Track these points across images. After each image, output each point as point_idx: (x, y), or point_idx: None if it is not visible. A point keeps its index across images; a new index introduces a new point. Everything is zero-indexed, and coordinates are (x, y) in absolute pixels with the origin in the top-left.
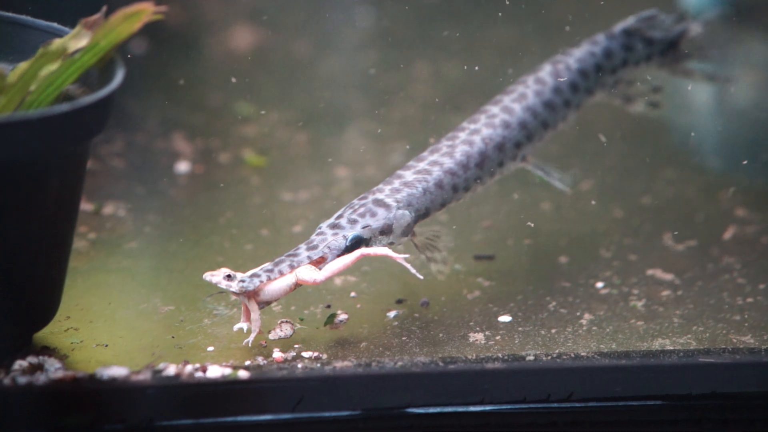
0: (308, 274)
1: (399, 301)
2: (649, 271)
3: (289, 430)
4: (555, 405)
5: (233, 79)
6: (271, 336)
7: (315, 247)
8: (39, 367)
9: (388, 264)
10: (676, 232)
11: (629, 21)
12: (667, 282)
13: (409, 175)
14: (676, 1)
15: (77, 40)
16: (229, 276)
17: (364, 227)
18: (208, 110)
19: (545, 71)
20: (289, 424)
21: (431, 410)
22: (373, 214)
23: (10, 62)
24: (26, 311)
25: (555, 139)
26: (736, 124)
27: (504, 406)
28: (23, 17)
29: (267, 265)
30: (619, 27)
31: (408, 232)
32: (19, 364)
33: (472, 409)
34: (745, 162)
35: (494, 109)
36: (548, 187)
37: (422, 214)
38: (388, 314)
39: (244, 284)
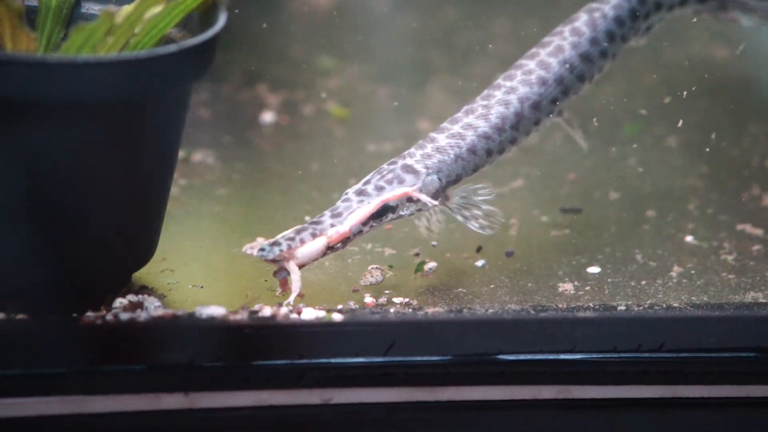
0: (334, 231)
1: (478, 249)
2: (739, 226)
3: (381, 372)
4: (646, 355)
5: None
6: (362, 282)
7: (339, 215)
8: (139, 305)
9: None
10: (764, 187)
11: None
12: (757, 237)
13: (442, 139)
14: None
15: None
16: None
17: None
18: (290, 63)
19: (581, 21)
20: (381, 367)
21: (522, 357)
22: (401, 181)
23: (116, 4)
24: (127, 251)
25: (638, 97)
26: None
27: (594, 355)
28: None
29: (289, 233)
30: None
31: (437, 198)
32: (120, 301)
33: (562, 357)
34: None
35: (530, 64)
36: (635, 143)
37: (452, 180)
38: (476, 263)
39: (264, 252)
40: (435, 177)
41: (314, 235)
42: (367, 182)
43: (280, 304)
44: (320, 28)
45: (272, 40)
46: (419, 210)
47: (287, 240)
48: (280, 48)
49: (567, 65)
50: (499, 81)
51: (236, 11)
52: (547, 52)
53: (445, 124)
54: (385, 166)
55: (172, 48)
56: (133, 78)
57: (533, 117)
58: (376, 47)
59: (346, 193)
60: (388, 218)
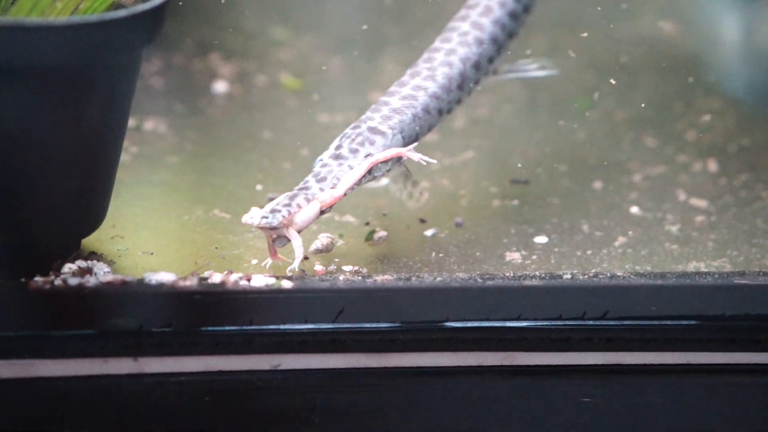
0: (328, 194)
1: (423, 221)
2: (683, 197)
3: (330, 339)
4: (590, 323)
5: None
6: (311, 249)
7: (324, 179)
8: (88, 271)
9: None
10: (709, 161)
11: None
12: (701, 208)
13: (395, 102)
14: None
15: None
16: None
17: (366, 155)
18: (244, 33)
19: None
20: (330, 333)
21: (469, 324)
22: (372, 143)
23: None
24: (76, 216)
25: (587, 70)
26: (764, 57)
27: (540, 323)
28: None
29: (283, 200)
30: None
31: (401, 158)
32: (69, 267)
33: (509, 324)
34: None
35: (464, 26)
36: (582, 117)
37: (412, 140)
38: (425, 233)
39: (267, 219)
40: (399, 136)
41: (308, 200)
42: (339, 147)
43: (231, 271)
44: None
45: (226, 10)
46: (388, 170)
47: (285, 206)
48: (233, 18)
49: (498, 24)
50: (437, 44)
51: None
52: (477, 13)
53: (393, 88)
54: (348, 130)
55: (121, 13)
56: (81, 43)
57: (474, 77)
58: (329, 18)
59: (321, 159)
60: (365, 180)
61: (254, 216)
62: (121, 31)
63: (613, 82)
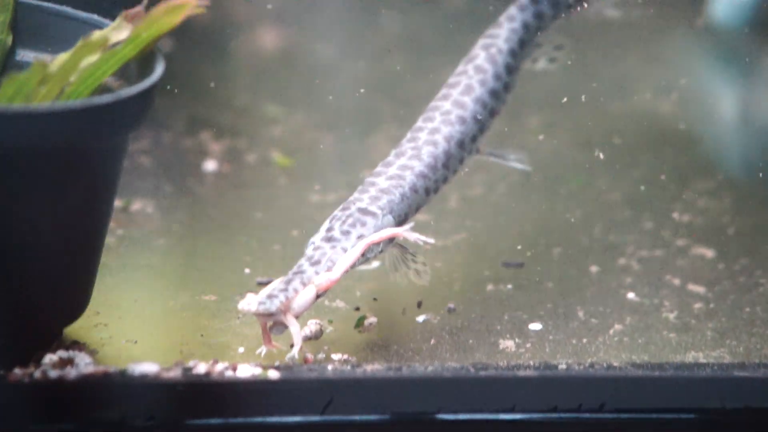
0: (324, 278)
1: (419, 305)
2: (681, 283)
3: (318, 431)
4: (587, 415)
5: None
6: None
7: (318, 262)
8: (69, 362)
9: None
10: (707, 245)
11: None
12: (698, 294)
13: (382, 182)
14: (705, 12)
15: (118, 32)
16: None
17: (358, 237)
18: (235, 110)
19: (481, 58)
20: (319, 426)
21: (461, 417)
22: (363, 224)
23: (51, 53)
24: (57, 304)
25: (582, 149)
26: (761, 137)
27: (535, 415)
28: (64, 8)
29: (279, 285)
30: None
31: (394, 239)
32: (50, 358)
33: (502, 416)
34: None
35: (446, 105)
36: (577, 197)
37: (402, 220)
38: (417, 319)
39: (266, 305)
40: (390, 216)
41: (304, 284)
42: (331, 229)
43: (216, 360)
44: (264, 75)
45: (217, 87)
46: (381, 252)
47: (282, 291)
48: (224, 95)
49: (480, 102)
50: (420, 123)
51: (179, 57)
52: (458, 92)
53: (379, 169)
54: (338, 212)
55: (106, 99)
56: (64, 128)
57: (459, 155)
58: (322, 95)
59: (313, 242)
60: (358, 262)
61: (251, 302)
62: (105, 116)
63: (601, 156)
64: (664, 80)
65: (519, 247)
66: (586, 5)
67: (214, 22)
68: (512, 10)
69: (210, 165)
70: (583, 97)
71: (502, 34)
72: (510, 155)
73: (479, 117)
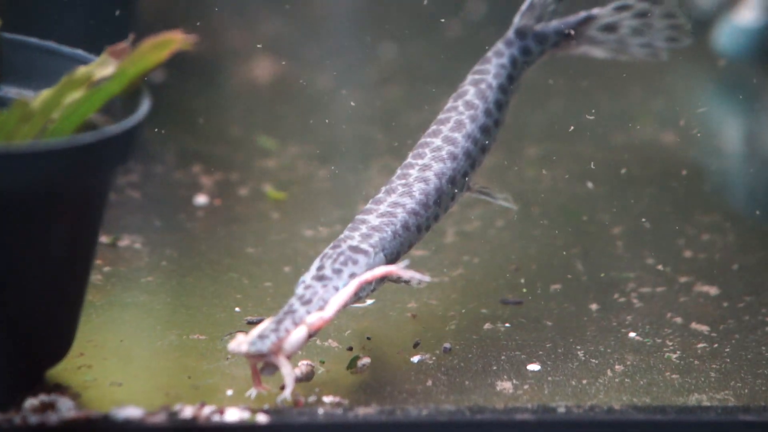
0: (316, 317)
1: (416, 345)
2: (683, 322)
3: None
4: None
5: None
6: None
7: (309, 302)
8: (50, 406)
9: (401, 308)
10: (711, 282)
11: (515, 20)
12: (702, 334)
13: (373, 219)
14: (712, 42)
15: (103, 68)
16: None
17: (350, 275)
18: (228, 142)
19: (471, 93)
20: None
21: None
22: (355, 262)
23: (34, 89)
24: (39, 347)
25: (582, 182)
26: (766, 169)
27: None
28: (48, 43)
29: (269, 325)
30: (510, 31)
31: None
32: (31, 402)
33: None
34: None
35: (437, 141)
36: (577, 231)
37: (394, 258)
38: (412, 359)
39: (257, 346)
40: (381, 255)
41: (295, 324)
42: (321, 267)
43: (203, 404)
44: (258, 107)
45: (209, 118)
46: (373, 290)
47: (273, 332)
48: (216, 127)
49: (471, 138)
50: (410, 160)
51: (171, 89)
52: (449, 128)
53: (370, 206)
54: (329, 250)
55: (88, 137)
56: (46, 168)
57: (450, 192)
58: (315, 126)
59: (303, 281)
60: (350, 301)
61: (241, 343)
62: (88, 155)
63: (590, 185)
64: (667, 112)
65: (517, 283)
66: (574, 42)
67: (207, 52)
68: (499, 45)
69: (201, 199)
70: (585, 130)
71: (491, 69)
72: (498, 195)
73: (471, 153)
